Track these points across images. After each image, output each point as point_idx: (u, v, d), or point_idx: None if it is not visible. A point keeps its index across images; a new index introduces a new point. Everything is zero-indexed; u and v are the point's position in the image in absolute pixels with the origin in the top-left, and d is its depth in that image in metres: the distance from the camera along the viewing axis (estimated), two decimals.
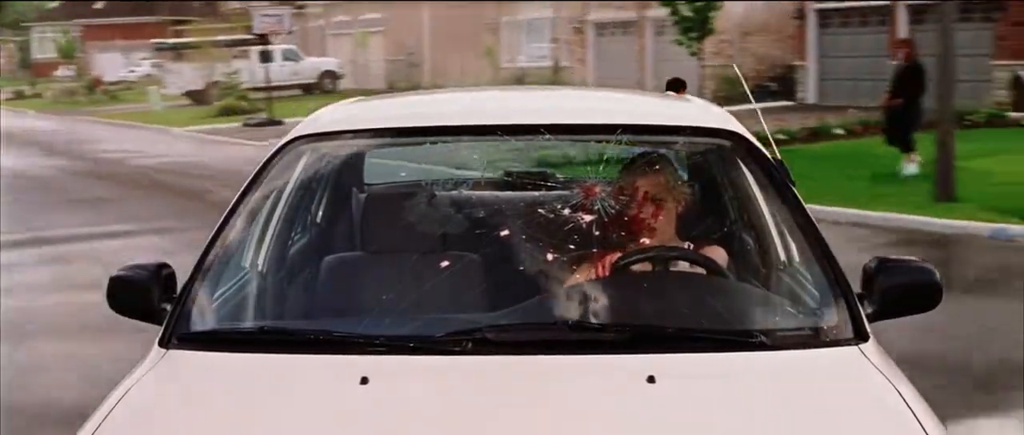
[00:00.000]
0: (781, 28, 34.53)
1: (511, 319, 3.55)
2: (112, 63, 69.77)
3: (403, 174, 4.99)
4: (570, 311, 3.50)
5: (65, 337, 9.45)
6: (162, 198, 18.92)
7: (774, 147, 4.07)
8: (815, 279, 3.69)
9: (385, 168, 5.24)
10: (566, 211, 3.91)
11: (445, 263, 3.91)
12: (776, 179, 3.93)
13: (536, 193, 4.43)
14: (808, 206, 3.94)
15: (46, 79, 69.15)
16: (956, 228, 13.22)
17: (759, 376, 3.20)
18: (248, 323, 3.92)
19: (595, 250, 3.93)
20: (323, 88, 49.39)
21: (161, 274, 3.80)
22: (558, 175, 4.46)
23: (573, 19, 42.10)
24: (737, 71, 5.85)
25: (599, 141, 4.15)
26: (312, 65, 50.37)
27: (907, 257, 3.80)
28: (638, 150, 4.23)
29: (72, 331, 9.62)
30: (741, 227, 4.51)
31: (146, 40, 66.10)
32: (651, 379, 3.03)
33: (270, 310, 4.18)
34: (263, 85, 37.48)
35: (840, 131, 22.49)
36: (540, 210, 3.93)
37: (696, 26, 23.35)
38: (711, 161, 4.61)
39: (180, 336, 3.48)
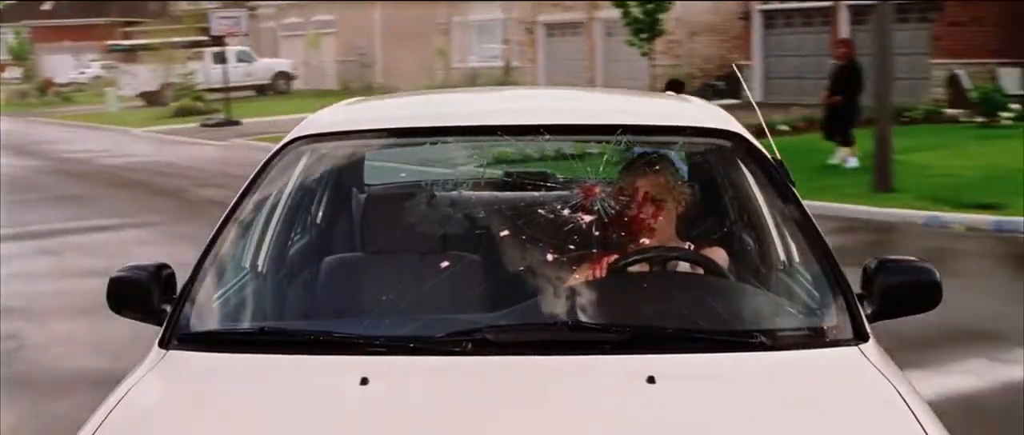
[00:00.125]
0: (727, 28, 34.69)
1: (511, 320, 3.52)
2: (62, 64, 69.17)
3: (403, 175, 4.95)
4: (570, 312, 3.48)
5: (72, 318, 9.88)
6: (138, 195, 19.09)
7: (774, 147, 4.07)
8: (815, 279, 3.65)
9: (385, 168, 5.22)
10: (566, 211, 3.89)
11: (445, 263, 3.88)
12: (776, 179, 3.91)
13: (536, 193, 4.40)
14: None
15: None
16: (894, 216, 13.82)
17: (759, 376, 3.17)
18: (248, 324, 3.89)
19: (595, 250, 3.91)
20: (277, 89, 49.73)
21: (161, 274, 3.76)
22: (558, 175, 4.44)
23: (524, 20, 42.16)
24: (737, 71, 5.88)
25: (599, 141, 4.13)
26: (265, 66, 50.57)
27: (906, 257, 3.78)
28: (638, 150, 4.21)
29: (77, 312, 10.01)
30: (741, 227, 4.47)
31: (95, 41, 66.07)
32: (651, 379, 3.00)
33: (270, 311, 4.14)
34: (219, 86, 37.84)
35: (785, 127, 22.52)
36: (540, 210, 3.91)
37: (646, 27, 23.59)
38: (711, 161, 4.58)
39: (180, 337, 3.45)
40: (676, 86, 15.10)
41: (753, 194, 4.18)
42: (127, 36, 64.30)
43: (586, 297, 3.59)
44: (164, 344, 3.43)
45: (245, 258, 4.11)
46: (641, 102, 5.27)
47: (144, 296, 3.66)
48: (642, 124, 4.14)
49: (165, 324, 3.51)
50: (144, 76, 47.25)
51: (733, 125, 4.10)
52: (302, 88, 50.69)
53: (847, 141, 17.67)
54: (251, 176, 3.97)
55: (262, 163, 4.04)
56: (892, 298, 3.58)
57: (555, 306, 3.52)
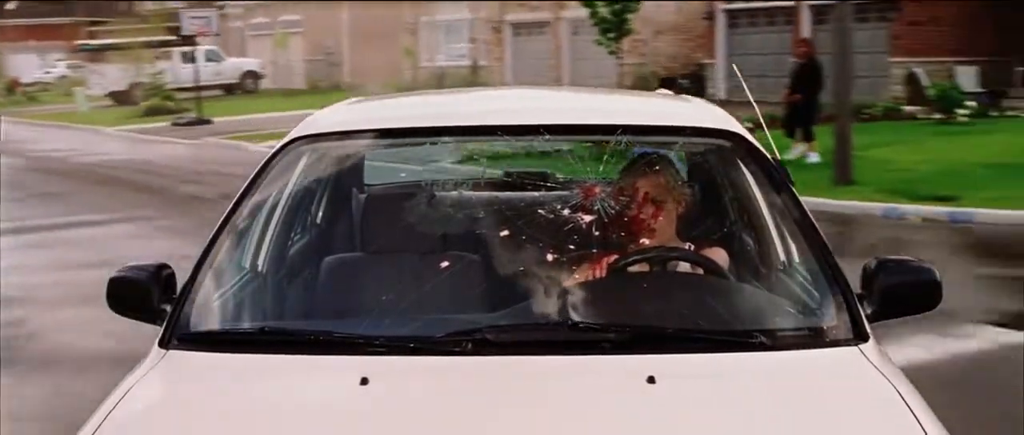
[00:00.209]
0: (692, 28, 34.98)
1: (511, 320, 3.50)
2: (27, 64, 68.60)
3: (403, 175, 4.92)
4: (570, 312, 3.46)
5: (75, 306, 10.09)
6: (121, 192, 19.22)
7: (773, 147, 4.06)
8: (815, 279, 3.62)
9: (385, 168, 5.21)
10: (566, 212, 3.87)
11: (445, 263, 3.85)
12: (776, 179, 3.89)
13: (536, 193, 4.36)
14: None
15: None
16: (853, 208, 14.17)
17: (759, 376, 3.15)
18: (248, 323, 3.85)
19: (595, 251, 3.88)
20: (245, 88, 49.90)
21: (161, 274, 3.74)
22: (558, 175, 4.41)
23: (491, 20, 42.33)
24: (736, 71, 5.77)
25: (599, 141, 4.11)
26: (234, 65, 50.69)
27: (906, 257, 3.77)
28: (638, 150, 4.19)
29: (80, 301, 10.17)
30: (741, 227, 4.44)
31: (61, 41, 65.99)
32: (651, 379, 2.98)
33: (270, 311, 4.11)
34: (188, 85, 38.04)
35: (748, 125, 23.68)
36: (540, 210, 3.88)
37: (614, 27, 23.81)
38: (711, 161, 4.55)
39: (180, 336, 3.43)
40: (669, 83, 15.69)
41: (753, 194, 4.17)
42: (92, 35, 64.11)
43: (586, 297, 3.59)
44: (164, 344, 3.42)
45: (245, 258, 4.10)
46: (641, 102, 5.25)
47: (144, 296, 3.65)
48: (642, 124, 4.13)
49: (165, 324, 3.50)
50: (113, 75, 47.16)
51: (733, 125, 4.10)
52: (270, 87, 50.84)
53: (808, 137, 18.04)
54: (251, 176, 3.97)
55: (262, 163, 4.03)
56: (892, 298, 3.57)
57: (555, 306, 3.51)
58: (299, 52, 53.12)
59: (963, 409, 6.21)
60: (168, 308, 3.58)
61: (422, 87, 41.06)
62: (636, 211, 3.93)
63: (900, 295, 3.58)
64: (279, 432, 2.90)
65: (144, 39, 45.68)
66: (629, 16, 23.69)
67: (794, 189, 3.87)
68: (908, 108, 25.93)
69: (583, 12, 25.80)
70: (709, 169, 4.62)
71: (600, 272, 3.88)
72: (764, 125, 4.41)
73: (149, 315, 3.64)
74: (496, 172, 4.64)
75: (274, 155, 4.05)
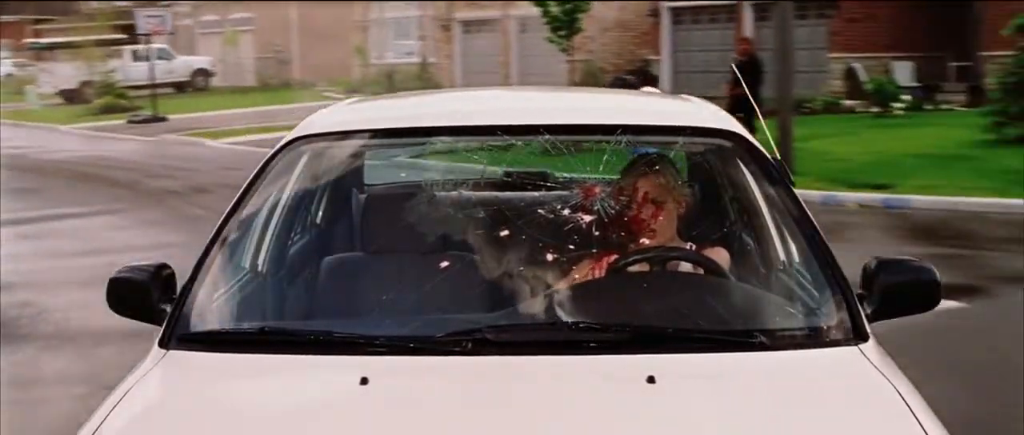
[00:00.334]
0: (637, 25, 35.08)
1: (511, 319, 3.47)
2: None
3: (403, 175, 4.89)
4: (570, 311, 3.41)
5: (76, 289, 10.52)
6: (94, 187, 19.45)
7: (773, 147, 4.02)
8: (815, 279, 3.58)
9: (385, 168, 5.22)
10: (566, 212, 3.83)
11: (445, 263, 3.81)
12: (776, 179, 3.85)
13: (536, 193, 4.31)
14: None
15: None
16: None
17: (759, 376, 3.12)
18: (248, 324, 3.79)
19: (595, 251, 3.84)
20: (196, 86, 49.68)
21: (161, 274, 3.70)
22: (558, 175, 4.34)
23: (439, 17, 42.26)
24: (735, 71, 6.26)
25: (599, 141, 4.05)
26: (184, 63, 50.43)
27: (906, 257, 3.74)
28: (638, 150, 4.15)
29: (79, 285, 10.71)
30: (741, 227, 4.39)
31: (7, 38, 65.60)
32: (651, 379, 2.95)
33: (270, 310, 4.08)
34: (139, 83, 38.21)
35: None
36: (540, 210, 3.84)
37: (565, 25, 24.19)
38: (711, 161, 4.51)
39: (180, 337, 3.39)
40: (650, 80, 16.54)
41: (753, 194, 4.13)
42: (39, 33, 63.94)
43: (586, 297, 3.57)
44: (164, 344, 3.39)
45: (245, 258, 4.05)
46: (641, 102, 5.20)
47: (144, 296, 3.62)
48: (642, 124, 4.11)
49: (165, 324, 3.47)
50: (63, 74, 46.99)
51: (733, 125, 4.08)
52: (221, 85, 50.73)
53: (751, 130, 19.01)
54: (251, 176, 3.94)
55: (262, 163, 3.99)
56: (892, 298, 3.53)
57: (555, 306, 3.46)
58: (249, 50, 53.06)
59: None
60: (168, 308, 3.55)
61: (372, 84, 41.42)
62: (636, 211, 3.91)
63: (900, 295, 3.56)
64: (279, 432, 2.88)
65: (95, 37, 45.80)
66: (580, 15, 24.53)
67: (794, 189, 3.85)
68: (847, 102, 26.56)
69: (531, 9, 25.91)
70: (709, 169, 4.60)
71: (600, 272, 3.86)
72: (764, 125, 4.30)
73: (149, 315, 3.61)
74: (496, 172, 4.59)
75: (274, 155, 4.01)
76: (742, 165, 4.11)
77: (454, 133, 4.11)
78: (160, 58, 46.29)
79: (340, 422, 2.91)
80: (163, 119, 34.25)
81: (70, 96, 46.01)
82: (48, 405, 7.30)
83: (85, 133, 33.34)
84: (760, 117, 4.38)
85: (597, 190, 3.89)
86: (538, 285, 3.64)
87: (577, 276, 3.80)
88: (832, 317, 3.37)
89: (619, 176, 4.05)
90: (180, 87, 48.67)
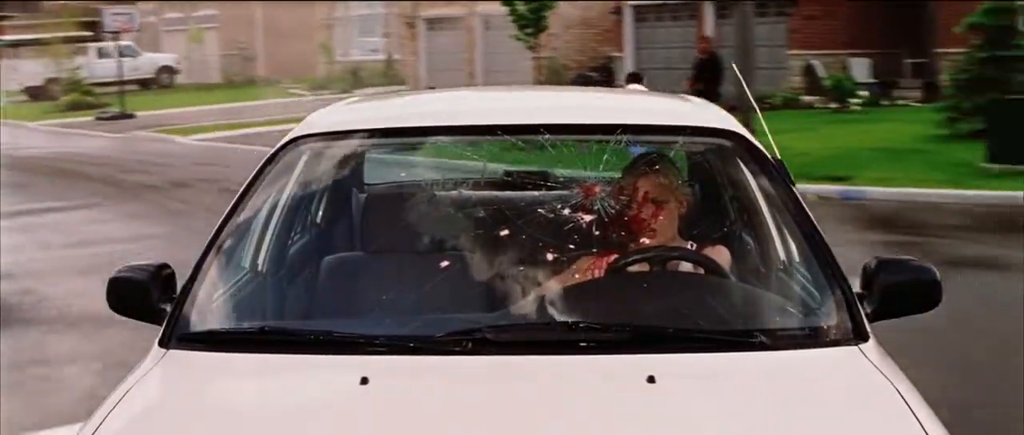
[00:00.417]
0: (600, 22, 35.47)
1: (511, 319, 3.46)
2: None
3: (403, 174, 4.84)
4: (570, 311, 3.37)
5: (73, 278, 10.99)
6: (72, 182, 19.66)
7: (774, 147, 4.00)
8: (815, 279, 3.55)
9: (385, 168, 5.17)
10: (566, 211, 3.81)
11: (445, 263, 3.77)
12: (776, 179, 3.82)
13: (536, 193, 4.28)
14: None
15: None
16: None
17: (759, 376, 3.10)
18: (248, 323, 3.75)
19: (596, 250, 3.81)
20: (161, 83, 49.55)
21: (161, 274, 3.67)
22: (558, 175, 4.29)
23: (404, 15, 42.36)
24: (735, 70, 6.32)
25: (599, 141, 4.01)
26: (149, 61, 50.25)
27: (906, 256, 3.71)
28: (637, 150, 4.11)
29: (75, 273, 11.22)
30: (741, 227, 4.35)
31: None
32: (651, 379, 2.93)
33: (270, 310, 4.05)
34: (104, 80, 38.34)
35: None
36: (540, 210, 3.81)
37: (532, 23, 24.38)
38: (711, 161, 4.48)
39: (180, 336, 3.36)
40: (635, 78, 17.03)
41: (753, 194, 4.10)
42: (2, 31, 63.70)
43: (586, 297, 3.56)
44: (164, 344, 3.36)
45: (245, 258, 4.02)
46: (641, 101, 5.18)
47: (144, 296, 3.59)
48: (642, 123, 4.08)
49: (165, 324, 3.44)
50: (27, 71, 46.80)
51: (733, 124, 4.04)
52: (185, 82, 50.67)
53: None
54: (251, 176, 3.91)
55: (262, 163, 3.96)
56: (892, 297, 3.50)
57: (555, 306, 3.43)
58: (214, 47, 53.10)
59: None
60: (168, 308, 3.52)
61: (337, 82, 41.69)
62: (637, 211, 3.87)
63: (900, 294, 3.53)
64: (279, 432, 2.86)
65: (60, 34, 45.87)
66: (546, 13, 24.95)
67: (795, 188, 3.83)
68: (806, 98, 26.87)
69: (496, 7, 26.02)
70: (709, 168, 4.57)
71: (600, 272, 3.82)
72: (764, 124, 4.35)
73: (149, 315, 3.59)
74: (496, 171, 4.58)
75: (274, 155, 3.98)
76: (742, 165, 4.08)
77: (454, 133, 4.10)
78: (125, 55, 46.35)
79: (340, 422, 2.89)
80: (131, 116, 34.27)
81: (36, 93, 45.86)
82: (71, 379, 7.69)
83: (54, 130, 33.31)
84: (759, 115, 4.38)
85: (597, 190, 3.87)
86: (538, 285, 3.63)
87: (577, 276, 3.77)
88: (832, 317, 3.35)
89: (620, 176, 4.02)
90: (145, 84, 48.55)
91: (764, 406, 2.95)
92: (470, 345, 3.15)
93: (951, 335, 7.84)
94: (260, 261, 4.14)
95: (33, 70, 46.46)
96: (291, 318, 4.03)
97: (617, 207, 3.85)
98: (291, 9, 48.01)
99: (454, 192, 4.30)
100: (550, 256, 3.71)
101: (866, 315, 3.41)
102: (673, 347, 3.18)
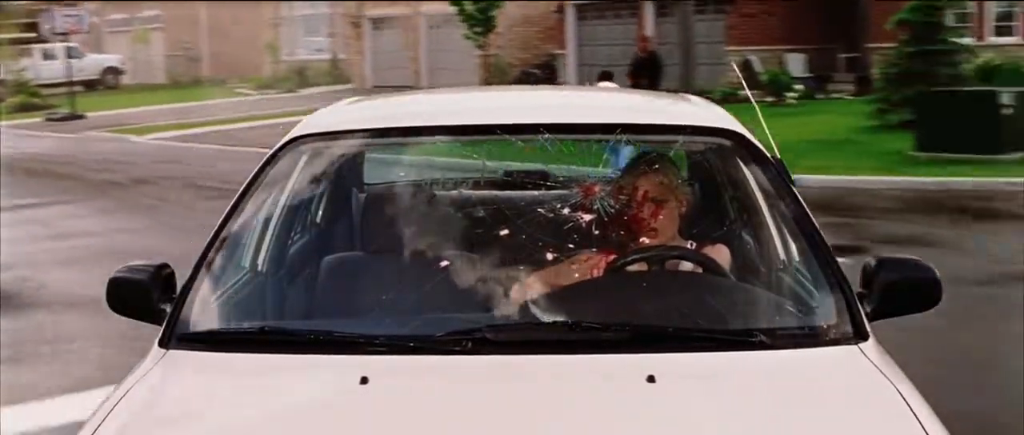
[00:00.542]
0: (543, 20, 35.89)
1: (511, 319, 3.43)
2: None
3: (402, 174, 4.78)
4: (570, 311, 3.34)
5: (67, 267, 11.51)
6: (41, 181, 19.87)
7: (774, 146, 3.97)
8: (815, 278, 3.51)
9: (384, 168, 5.11)
10: (566, 211, 3.78)
11: (445, 263, 3.72)
12: (776, 178, 3.78)
13: (536, 193, 4.24)
14: None
15: None
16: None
17: (759, 376, 3.06)
18: (248, 323, 3.73)
19: (596, 250, 3.78)
20: (106, 84, 49.48)
21: (161, 274, 3.63)
22: (558, 175, 4.23)
23: (350, 15, 42.80)
24: (735, 69, 6.51)
25: (599, 141, 3.98)
26: (94, 62, 50.36)
27: (907, 256, 3.67)
28: (627, 148, 4.10)
29: (67, 263, 11.71)
30: (741, 226, 4.31)
31: None
32: (651, 379, 2.90)
33: (270, 310, 4.01)
34: (53, 81, 38.56)
35: None
36: (540, 210, 3.78)
37: (480, 22, 25.14)
38: (711, 160, 4.44)
39: (180, 336, 3.33)
40: (606, 76, 17.75)
41: (753, 193, 4.07)
42: None
43: (586, 296, 3.55)
44: (164, 344, 3.33)
45: (245, 257, 3.99)
46: (641, 101, 5.15)
47: (144, 296, 3.57)
48: (642, 123, 4.07)
49: (165, 324, 3.41)
50: None
51: (733, 124, 4.01)
52: (130, 83, 50.61)
53: None
54: (251, 175, 3.88)
55: (262, 163, 3.92)
56: (892, 296, 3.47)
57: (555, 305, 3.40)
58: (159, 48, 53.07)
59: None
60: (168, 308, 3.49)
61: (284, 81, 41.98)
62: (638, 210, 3.84)
63: (900, 293, 3.49)
64: (279, 432, 2.84)
65: (4, 36, 45.76)
66: (494, 13, 25.47)
67: (795, 188, 3.79)
68: (743, 92, 27.99)
69: (440, 7, 26.46)
70: (709, 168, 4.53)
71: (600, 272, 3.78)
72: (764, 124, 4.29)
73: (149, 315, 3.57)
74: (496, 171, 4.54)
75: (274, 154, 3.94)
76: (742, 164, 4.06)
77: (454, 132, 4.06)
78: (71, 57, 46.24)
79: (340, 422, 2.86)
80: (81, 117, 34.32)
81: None
82: (86, 351, 8.23)
83: (6, 131, 32.68)
84: (763, 124, 4.23)
85: (597, 189, 3.84)
86: (538, 285, 3.60)
87: (578, 276, 3.74)
88: (832, 316, 3.31)
89: (621, 175, 3.99)
90: (90, 85, 48.12)
91: (764, 406, 2.93)
92: (470, 345, 3.13)
93: None
94: (260, 261, 4.11)
95: None
96: (291, 318, 4.01)
97: (617, 207, 3.82)
98: (235, 9, 48.01)
99: (454, 192, 4.28)
100: (550, 256, 3.70)
101: (866, 314, 3.37)
102: (673, 347, 3.15)
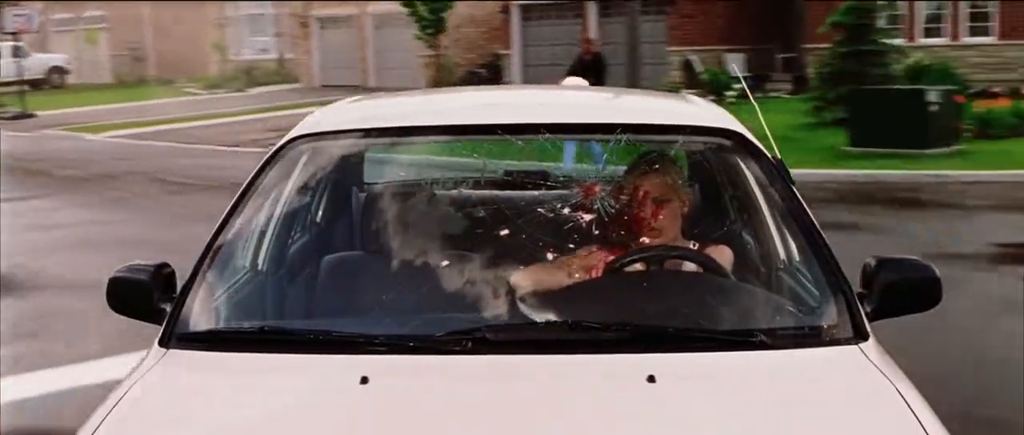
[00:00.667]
0: (489, 21, 36.15)
1: (511, 319, 3.40)
2: None
3: (402, 174, 4.75)
4: (570, 310, 3.31)
5: (58, 252, 11.98)
6: (12, 177, 19.61)
7: (774, 146, 3.93)
8: (815, 278, 3.49)
9: (384, 167, 5.07)
10: (567, 211, 3.75)
11: (445, 262, 3.69)
12: (776, 178, 3.75)
13: (537, 193, 4.21)
14: None
15: None
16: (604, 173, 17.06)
17: (759, 375, 3.04)
18: (248, 323, 3.70)
19: (596, 250, 3.74)
20: (52, 83, 49.18)
21: (161, 273, 3.60)
22: (559, 174, 4.20)
23: (296, 14, 42.87)
24: (735, 69, 6.35)
25: (599, 140, 3.96)
26: (39, 61, 49.78)
27: (907, 256, 3.63)
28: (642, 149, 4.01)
29: (58, 249, 12.17)
30: (741, 226, 4.28)
31: None
32: (651, 379, 2.87)
33: (270, 310, 3.98)
34: (10, 80, 37.83)
35: None
36: (541, 210, 3.75)
37: (432, 24, 25.61)
38: (711, 160, 4.38)
39: (180, 336, 3.30)
40: (574, 73, 18.21)
41: (753, 193, 4.05)
42: None
43: (586, 296, 3.53)
44: (164, 343, 3.30)
45: (245, 257, 3.95)
46: (642, 101, 5.12)
47: (144, 295, 3.54)
48: (642, 123, 4.04)
49: (165, 323, 3.38)
50: None
51: (733, 124, 3.98)
52: (76, 82, 50.38)
53: None
54: (251, 175, 3.84)
55: (262, 162, 3.89)
56: (892, 296, 3.45)
57: (555, 305, 3.37)
58: (104, 47, 52.92)
59: None
60: (168, 307, 3.47)
61: (232, 80, 41.83)
62: (640, 210, 3.80)
63: (900, 293, 3.47)
64: (279, 431, 2.81)
65: None
66: (445, 14, 25.86)
67: (795, 188, 3.75)
68: (686, 91, 28.55)
69: (386, 6, 26.46)
70: (709, 168, 4.49)
71: (599, 271, 3.75)
72: (764, 124, 4.23)
73: (149, 315, 3.54)
74: (496, 171, 4.50)
75: (274, 154, 3.91)
76: (742, 164, 4.03)
77: (454, 132, 4.04)
78: (15, 56, 45.78)
79: (340, 421, 2.83)
80: (32, 115, 34.18)
81: None
82: (91, 325, 8.51)
83: None
84: (759, 114, 4.21)
85: (597, 189, 3.81)
86: (539, 285, 3.57)
87: (578, 276, 3.70)
88: (832, 316, 3.29)
89: (623, 175, 3.95)
90: (36, 85, 47.02)
91: (764, 406, 2.90)
92: (470, 344, 3.10)
93: None
94: (260, 260, 4.07)
95: None
96: (291, 317, 3.98)
97: (619, 206, 3.79)
98: (180, 9, 47.84)
99: (454, 191, 4.25)
100: (551, 256, 3.68)
101: (866, 314, 3.35)
102: (673, 346, 3.13)
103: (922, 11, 29.77)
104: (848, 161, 17.33)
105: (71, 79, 51.01)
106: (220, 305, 3.58)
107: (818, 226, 3.61)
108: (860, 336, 3.23)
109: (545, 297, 3.46)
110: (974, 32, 29.15)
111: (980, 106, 20.77)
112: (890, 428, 2.82)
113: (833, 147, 18.09)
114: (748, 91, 4.65)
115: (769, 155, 3.87)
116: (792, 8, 29.49)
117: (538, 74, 33.55)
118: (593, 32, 28.44)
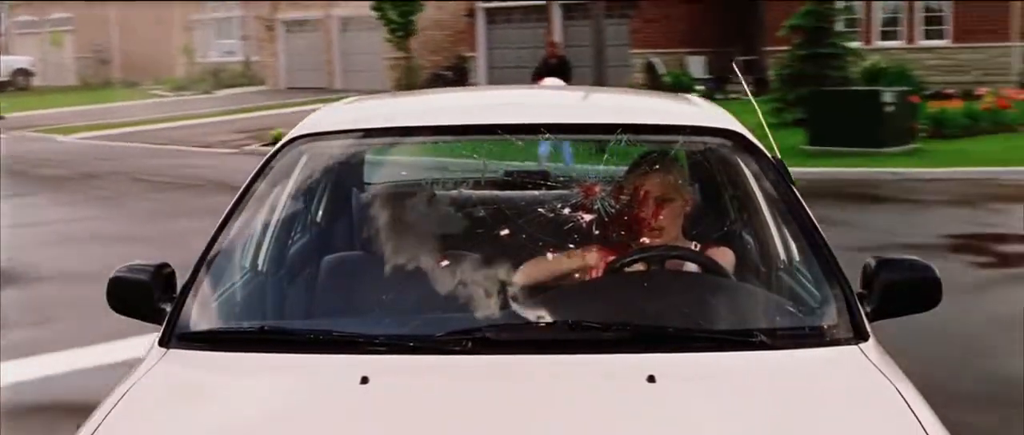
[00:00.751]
0: (454, 24, 36.37)
1: (511, 318, 3.36)
2: None
3: (403, 174, 4.74)
4: (571, 310, 3.30)
5: (53, 247, 12.26)
6: None
7: (774, 146, 3.92)
8: (815, 278, 3.47)
9: (384, 167, 5.06)
10: (567, 211, 3.73)
11: (445, 262, 3.66)
12: (776, 178, 3.74)
13: (537, 192, 4.20)
14: None
15: None
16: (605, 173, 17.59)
17: (759, 376, 3.03)
18: (248, 323, 3.68)
19: (596, 249, 3.72)
20: (17, 85, 49.31)
21: (161, 273, 3.58)
22: (559, 174, 4.18)
23: (263, 17, 42.90)
24: (735, 69, 6.01)
25: (599, 141, 3.92)
26: (4, 63, 50.34)
27: (907, 256, 3.62)
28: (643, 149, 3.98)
29: (53, 244, 12.45)
30: (741, 226, 4.27)
31: None
32: (651, 379, 2.86)
33: (270, 310, 3.96)
34: None
35: None
36: (541, 209, 3.73)
37: (402, 27, 25.93)
38: (711, 160, 4.34)
39: (180, 336, 3.28)
40: (549, 73, 18.63)
41: (753, 193, 4.04)
42: None
43: (586, 296, 3.51)
44: (164, 343, 3.28)
45: (245, 257, 3.93)
46: (642, 101, 5.11)
47: (144, 295, 3.52)
48: (642, 123, 4.01)
49: (165, 323, 3.36)
50: None
51: (733, 124, 3.97)
52: (41, 85, 50.33)
53: None
54: (251, 175, 3.82)
55: (262, 162, 3.87)
56: (892, 296, 3.44)
57: (556, 305, 3.36)
58: (69, 49, 52.87)
59: None
60: (168, 307, 3.44)
61: (198, 82, 41.58)
62: (641, 210, 3.78)
63: (900, 293, 3.46)
64: (279, 431, 2.79)
65: None
66: (414, 17, 26.25)
67: (795, 188, 3.74)
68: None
69: (352, 10, 26.54)
70: (710, 168, 4.46)
71: (600, 271, 3.72)
72: (764, 124, 4.22)
73: (149, 314, 3.52)
74: (496, 171, 4.46)
75: (274, 154, 3.89)
76: (742, 164, 4.02)
77: (454, 132, 4.02)
78: None
79: (340, 421, 2.81)
80: (1, 117, 34.02)
81: None
82: (98, 309, 9.09)
83: None
84: (759, 113, 4.26)
85: (598, 189, 3.79)
86: (539, 284, 3.56)
87: (578, 275, 3.69)
88: (832, 316, 3.27)
89: (625, 175, 3.93)
90: (0, 87, 47.97)
91: (764, 406, 2.89)
92: (470, 344, 3.09)
93: None
94: (260, 260, 4.05)
95: None
96: (291, 317, 3.96)
97: (619, 206, 3.77)
98: (146, 11, 47.81)
99: (454, 191, 4.23)
100: (551, 256, 3.66)
101: (866, 314, 3.33)
102: (673, 346, 3.11)
103: (879, 14, 30.15)
104: (807, 159, 17.66)
105: (36, 81, 50.93)
106: (220, 305, 3.56)
107: (818, 226, 3.61)
108: (860, 336, 3.22)
109: (545, 297, 3.45)
110: (929, 35, 29.60)
111: (934, 107, 21.30)
112: (890, 428, 2.81)
113: (793, 146, 18.39)
114: (749, 92, 4.76)
115: (769, 155, 3.85)
116: (753, 11, 29.73)
117: (503, 76, 33.74)
118: (557, 35, 28.63)
